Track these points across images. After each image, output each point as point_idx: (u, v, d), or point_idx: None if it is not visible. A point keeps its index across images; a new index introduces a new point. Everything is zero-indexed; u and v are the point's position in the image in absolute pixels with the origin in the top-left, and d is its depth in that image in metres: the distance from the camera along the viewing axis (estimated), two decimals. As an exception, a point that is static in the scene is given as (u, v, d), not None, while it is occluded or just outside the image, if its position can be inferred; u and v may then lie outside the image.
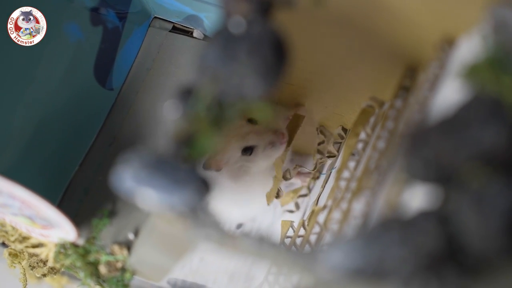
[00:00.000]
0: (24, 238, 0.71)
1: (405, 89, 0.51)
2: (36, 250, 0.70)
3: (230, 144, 0.61)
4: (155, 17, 0.74)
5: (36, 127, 0.67)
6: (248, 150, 0.61)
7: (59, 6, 0.69)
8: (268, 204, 0.65)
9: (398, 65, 0.52)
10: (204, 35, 0.72)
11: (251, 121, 0.62)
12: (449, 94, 0.41)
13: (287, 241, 0.62)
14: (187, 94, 0.36)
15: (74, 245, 0.69)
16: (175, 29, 0.74)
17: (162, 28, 0.74)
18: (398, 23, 0.47)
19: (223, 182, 0.63)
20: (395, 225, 0.31)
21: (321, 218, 0.57)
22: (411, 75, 0.51)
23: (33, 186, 0.59)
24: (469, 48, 0.42)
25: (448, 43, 0.44)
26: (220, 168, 0.62)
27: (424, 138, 0.32)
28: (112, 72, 0.73)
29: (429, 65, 0.45)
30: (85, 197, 0.70)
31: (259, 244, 0.35)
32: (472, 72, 0.32)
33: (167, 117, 0.36)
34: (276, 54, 0.36)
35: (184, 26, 0.73)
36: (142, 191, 0.35)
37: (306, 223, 0.61)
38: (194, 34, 0.73)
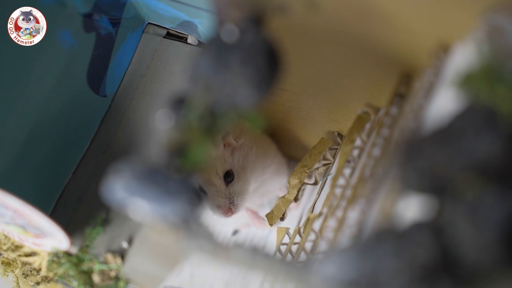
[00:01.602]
0: (16, 247, 0.70)
1: (400, 96, 0.51)
2: (29, 259, 0.69)
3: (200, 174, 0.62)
4: (149, 23, 0.74)
5: (29, 135, 0.67)
6: (201, 191, 0.62)
7: (52, 12, 0.68)
8: (271, 225, 0.65)
9: (394, 71, 0.52)
10: (199, 41, 0.72)
11: (228, 175, 0.63)
12: (444, 102, 0.41)
13: (283, 248, 0.61)
14: (179, 104, 0.36)
15: (67, 254, 0.68)
16: (169, 35, 0.74)
17: (156, 34, 0.73)
18: (394, 30, 0.47)
19: None
20: (389, 236, 0.31)
21: (316, 225, 0.57)
22: (406, 82, 0.51)
23: (26, 194, 0.59)
24: (464, 55, 0.41)
25: (443, 50, 0.44)
26: None
27: (419, 148, 0.31)
28: (105, 79, 0.72)
29: (424, 72, 0.45)
30: (78, 205, 0.69)
31: (252, 255, 0.35)
32: (467, 81, 0.32)
33: (159, 126, 0.36)
34: (269, 62, 0.35)
35: (178, 32, 0.73)
36: (134, 202, 0.34)
37: (301, 230, 0.61)
38: (189, 40, 0.72)
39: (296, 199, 0.66)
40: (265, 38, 0.35)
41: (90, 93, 0.72)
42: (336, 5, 0.46)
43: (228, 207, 0.63)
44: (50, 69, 0.69)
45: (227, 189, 0.63)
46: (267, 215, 0.65)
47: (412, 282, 0.30)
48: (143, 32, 0.74)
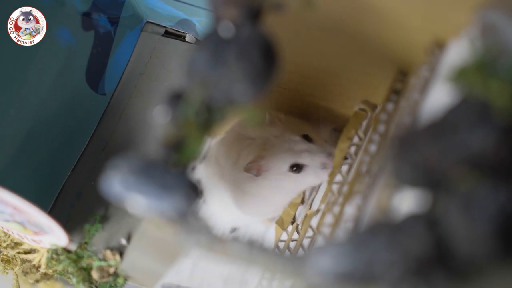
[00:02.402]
0: (16, 244, 0.70)
1: (396, 92, 0.51)
2: (29, 256, 0.69)
3: (279, 156, 0.59)
4: (148, 22, 0.74)
5: (28, 133, 0.67)
6: (297, 168, 0.59)
7: (51, 11, 0.69)
8: (284, 230, 0.63)
9: (390, 68, 0.52)
10: (196, 39, 0.72)
11: (306, 137, 0.60)
12: (439, 97, 0.41)
13: (281, 245, 0.62)
14: (176, 99, 0.36)
15: (66, 251, 0.68)
16: (168, 34, 0.74)
17: (154, 32, 0.74)
18: (389, 27, 0.47)
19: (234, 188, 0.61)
20: (384, 229, 0.31)
21: (314, 222, 0.57)
22: (402, 78, 0.51)
23: (25, 191, 0.59)
24: (458, 52, 0.42)
25: (438, 47, 0.44)
26: (259, 174, 0.60)
27: (413, 142, 0.32)
28: (104, 77, 0.72)
29: (420, 69, 0.45)
30: (77, 202, 0.70)
31: (249, 249, 0.35)
32: (460, 76, 0.32)
33: (156, 121, 0.36)
34: (266, 58, 0.36)
35: (177, 31, 0.73)
36: (131, 196, 0.34)
37: (299, 227, 0.61)
38: (187, 39, 0.73)
39: (302, 201, 0.66)
40: (261, 34, 0.36)
41: (89, 91, 0.72)
42: (332, 2, 0.47)
43: (332, 156, 0.58)
44: (49, 66, 0.69)
45: (316, 146, 0.59)
46: (277, 222, 0.64)
47: (406, 274, 0.30)
48: (141, 30, 0.74)
